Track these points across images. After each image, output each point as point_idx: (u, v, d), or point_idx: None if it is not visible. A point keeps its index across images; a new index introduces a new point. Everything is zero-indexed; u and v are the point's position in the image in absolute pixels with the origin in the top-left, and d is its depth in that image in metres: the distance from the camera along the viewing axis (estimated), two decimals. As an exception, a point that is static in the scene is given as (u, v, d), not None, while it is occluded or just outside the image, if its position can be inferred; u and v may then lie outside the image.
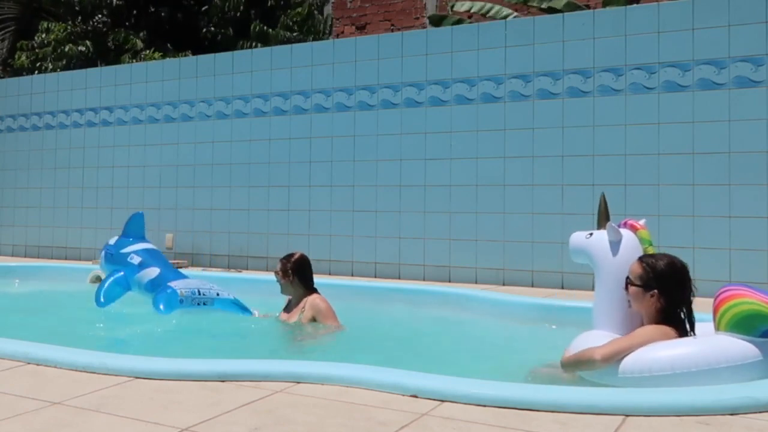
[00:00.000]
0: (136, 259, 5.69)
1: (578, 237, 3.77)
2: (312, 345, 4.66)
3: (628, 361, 3.04)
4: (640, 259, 3.31)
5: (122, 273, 5.61)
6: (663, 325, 3.18)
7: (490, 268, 6.96)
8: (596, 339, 3.37)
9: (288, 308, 5.02)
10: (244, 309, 5.35)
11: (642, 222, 3.63)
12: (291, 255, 4.99)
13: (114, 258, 5.81)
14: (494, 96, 7.05)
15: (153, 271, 5.58)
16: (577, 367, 3.14)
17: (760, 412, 2.55)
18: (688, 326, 3.24)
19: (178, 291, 5.20)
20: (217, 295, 5.34)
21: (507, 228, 6.92)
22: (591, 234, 3.69)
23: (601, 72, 6.60)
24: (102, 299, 5.44)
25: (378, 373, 2.92)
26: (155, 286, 5.41)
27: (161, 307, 5.14)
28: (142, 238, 5.95)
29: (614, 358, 3.05)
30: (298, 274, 4.90)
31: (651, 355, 3.01)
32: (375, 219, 7.59)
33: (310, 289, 4.95)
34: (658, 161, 6.36)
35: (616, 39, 6.55)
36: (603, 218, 3.77)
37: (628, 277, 3.30)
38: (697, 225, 6.18)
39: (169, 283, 5.29)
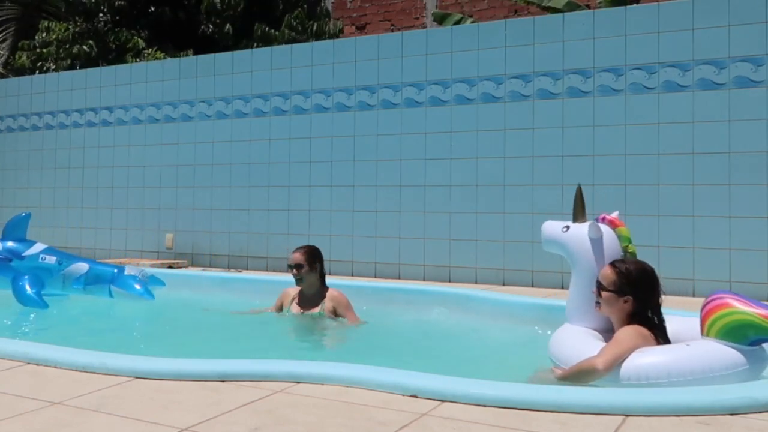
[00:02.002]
0: (50, 259, 5.67)
1: (553, 228, 3.73)
2: (340, 336, 4.73)
3: (624, 369, 3.01)
4: (612, 264, 3.34)
5: (27, 276, 5.53)
6: (636, 325, 3.22)
7: (490, 268, 6.96)
8: (577, 337, 3.36)
9: (302, 301, 4.97)
10: (161, 282, 5.90)
11: (616, 214, 3.62)
12: (306, 247, 4.98)
13: (17, 262, 5.63)
14: (494, 96, 7.05)
15: (81, 267, 5.69)
16: (579, 380, 3.11)
17: (760, 412, 2.55)
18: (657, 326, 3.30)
19: (139, 275, 5.61)
20: (148, 274, 5.85)
21: (507, 228, 6.92)
22: (568, 228, 3.66)
23: (601, 72, 6.60)
24: (39, 300, 5.39)
25: (378, 373, 2.92)
26: (92, 280, 5.60)
27: (137, 286, 5.52)
28: (24, 239, 5.85)
29: (615, 364, 3.04)
30: (321, 264, 4.94)
31: (647, 361, 3.00)
32: (375, 219, 7.59)
33: (324, 281, 4.99)
34: (658, 161, 6.36)
35: (616, 39, 6.56)
36: (579, 211, 3.73)
37: (599, 282, 3.31)
38: (697, 225, 6.18)
39: (125, 273, 5.60)
